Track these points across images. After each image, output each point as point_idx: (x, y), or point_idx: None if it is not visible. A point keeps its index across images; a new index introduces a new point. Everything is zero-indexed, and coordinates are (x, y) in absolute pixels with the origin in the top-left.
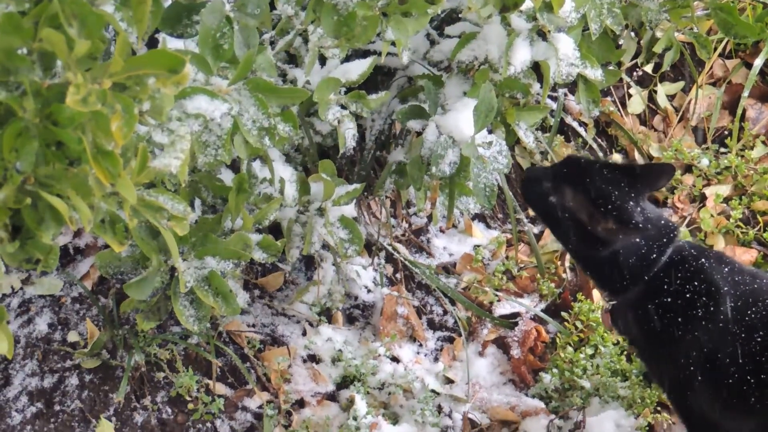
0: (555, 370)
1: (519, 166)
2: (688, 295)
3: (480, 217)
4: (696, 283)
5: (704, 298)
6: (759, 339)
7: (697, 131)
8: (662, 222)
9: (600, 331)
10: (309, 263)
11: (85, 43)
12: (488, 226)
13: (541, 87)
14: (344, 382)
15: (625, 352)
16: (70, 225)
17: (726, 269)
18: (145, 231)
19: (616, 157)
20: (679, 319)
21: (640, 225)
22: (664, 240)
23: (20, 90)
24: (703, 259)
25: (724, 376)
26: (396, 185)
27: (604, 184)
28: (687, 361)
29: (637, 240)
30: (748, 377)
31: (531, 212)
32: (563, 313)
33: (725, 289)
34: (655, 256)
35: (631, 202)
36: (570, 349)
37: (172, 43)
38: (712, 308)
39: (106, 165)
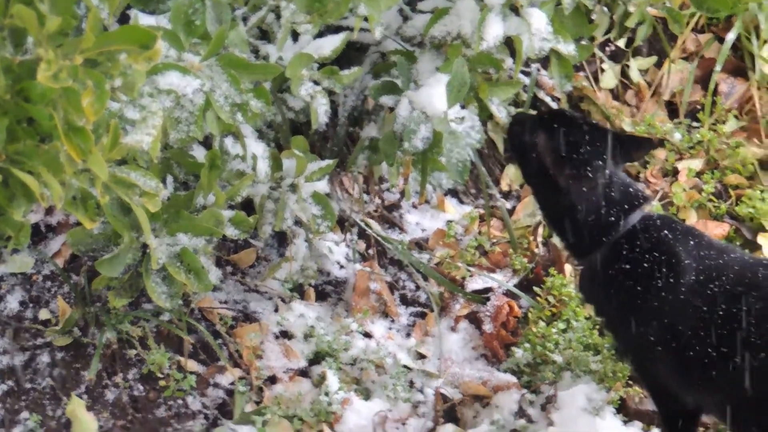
0: (527, 345)
1: (492, 142)
2: (649, 265)
3: (453, 193)
4: (657, 253)
5: (665, 269)
6: (720, 313)
7: (670, 106)
8: (630, 189)
9: (572, 305)
10: (281, 239)
11: (56, 19)
12: (461, 202)
13: (513, 62)
14: (316, 358)
15: (597, 327)
16: (41, 202)
17: (692, 242)
18: (116, 208)
19: None
20: (640, 288)
21: (600, 181)
22: (628, 206)
23: None
24: (667, 230)
25: (684, 348)
26: (369, 161)
27: (579, 137)
28: (647, 331)
29: (599, 200)
30: (709, 350)
31: (503, 187)
32: (535, 288)
33: (687, 261)
34: (615, 219)
35: (600, 161)
36: (542, 323)
37: (143, 20)
38: (672, 279)
39: (78, 141)
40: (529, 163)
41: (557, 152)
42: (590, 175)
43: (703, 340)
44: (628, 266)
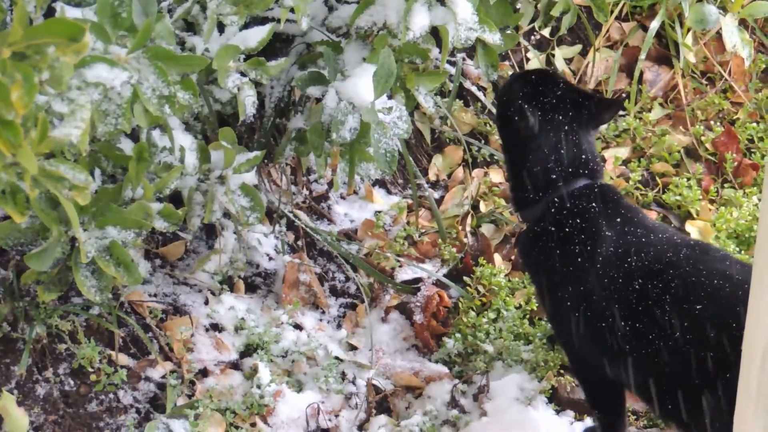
0: (458, 335)
1: (419, 132)
2: (571, 230)
3: (380, 183)
4: (581, 221)
5: (585, 237)
6: (635, 287)
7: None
8: (583, 156)
9: (502, 295)
10: (210, 232)
11: None
12: (389, 192)
13: (440, 52)
14: (247, 351)
15: (527, 316)
16: None
17: (620, 216)
18: (44, 202)
19: None
20: (560, 252)
21: (554, 139)
22: (573, 171)
23: None
24: (600, 201)
25: (597, 319)
26: (296, 152)
27: (550, 94)
28: (564, 295)
29: (549, 157)
30: (620, 323)
31: (431, 177)
32: (465, 278)
33: (608, 233)
34: (556, 179)
35: (561, 120)
36: (472, 313)
37: (70, 12)
38: (590, 248)
39: (7, 135)
40: (500, 105)
41: (524, 102)
42: (547, 130)
43: (614, 312)
44: (553, 228)
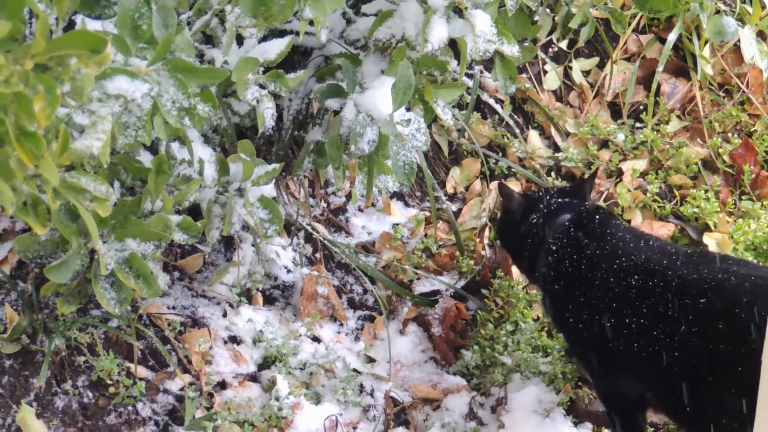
0: (476, 347)
1: (437, 144)
2: (566, 263)
3: (398, 196)
4: (574, 253)
5: (578, 265)
6: (629, 305)
7: (613, 107)
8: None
9: (520, 307)
10: (228, 244)
11: (6, 24)
12: (407, 205)
13: (458, 64)
14: (265, 363)
15: (545, 328)
16: None
17: (600, 238)
18: (64, 214)
19: (533, 134)
20: (565, 285)
21: (546, 234)
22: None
23: None
24: (582, 232)
25: (606, 340)
26: (314, 165)
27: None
28: (576, 324)
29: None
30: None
31: (449, 189)
32: (483, 290)
33: (603, 260)
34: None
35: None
36: (490, 325)
37: (90, 25)
38: (588, 276)
39: (29, 146)
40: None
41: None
42: (541, 231)
43: (616, 331)
44: (553, 268)
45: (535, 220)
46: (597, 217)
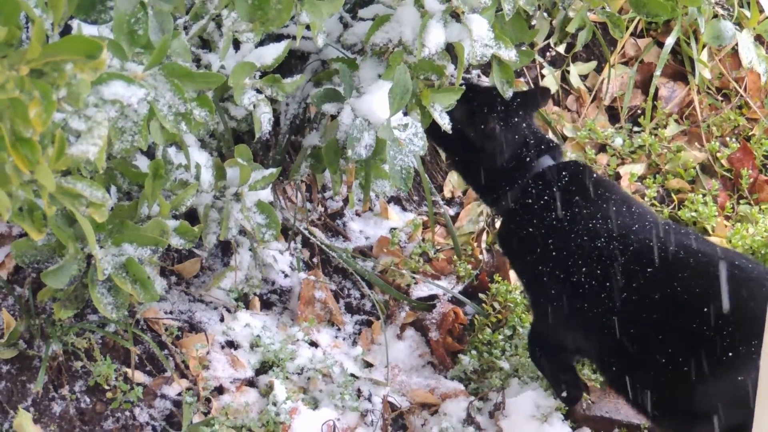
0: (473, 352)
1: (434, 148)
2: (546, 207)
3: (396, 200)
4: (551, 201)
5: (560, 213)
6: (598, 262)
7: (611, 111)
8: (536, 138)
9: (518, 311)
10: (225, 249)
11: (1, 29)
12: (404, 209)
13: (455, 68)
14: (263, 368)
15: None
16: None
17: (588, 190)
18: (61, 219)
19: None
20: (538, 228)
21: (508, 133)
22: (535, 152)
23: None
24: (570, 179)
25: (570, 291)
26: (311, 169)
27: (487, 99)
28: (543, 270)
29: (508, 150)
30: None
31: (446, 194)
32: (480, 295)
33: (581, 210)
34: (523, 166)
35: (507, 116)
36: (488, 330)
37: (86, 30)
38: (565, 224)
39: (25, 152)
40: (448, 136)
41: (470, 116)
42: (498, 127)
43: (584, 286)
44: (531, 206)
45: (506, 151)
46: (580, 171)
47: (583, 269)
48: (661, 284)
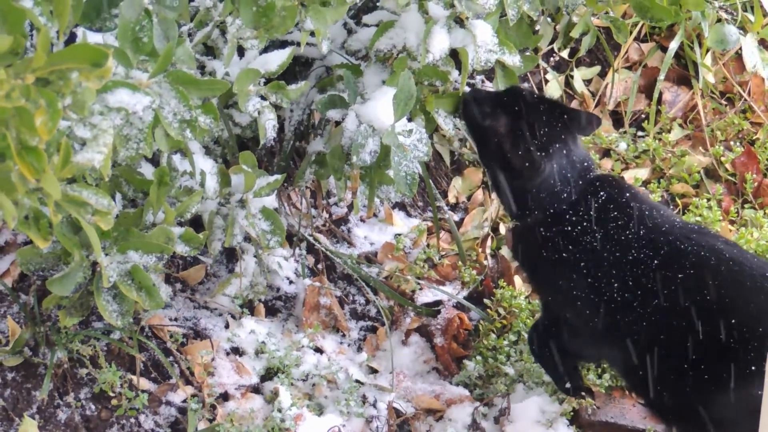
0: (479, 358)
1: (438, 154)
2: (580, 220)
3: (400, 206)
4: (590, 222)
5: (592, 236)
6: (630, 259)
7: (615, 115)
8: (578, 165)
9: (522, 317)
10: (230, 255)
11: (7, 38)
12: (409, 215)
13: (459, 74)
14: (268, 374)
15: None
16: None
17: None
18: (66, 227)
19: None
20: (571, 246)
21: (552, 165)
22: (574, 181)
23: None
24: (606, 197)
25: (597, 295)
26: (316, 175)
27: (535, 119)
28: (569, 279)
29: (550, 180)
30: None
31: (451, 199)
32: (485, 300)
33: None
34: (566, 195)
35: (553, 145)
36: (493, 335)
37: (91, 38)
38: (597, 245)
39: (31, 160)
40: (489, 146)
41: (515, 137)
42: (544, 159)
43: (615, 297)
44: (566, 226)
45: (541, 181)
46: (615, 184)
47: (617, 282)
48: (692, 293)
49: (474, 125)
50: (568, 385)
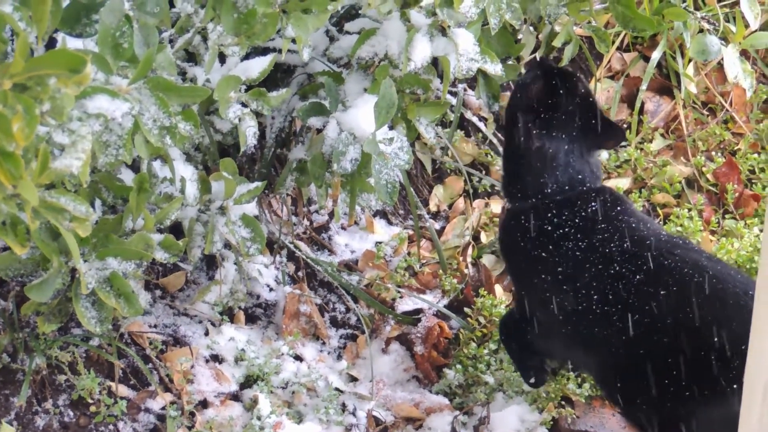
0: (458, 366)
1: (420, 162)
2: (567, 222)
3: (381, 214)
4: (577, 219)
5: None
6: (612, 272)
7: None
8: (584, 171)
9: None
10: (210, 262)
11: None
12: (390, 223)
13: (441, 83)
14: (247, 382)
15: None
16: None
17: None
18: (45, 233)
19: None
20: (552, 244)
21: (556, 162)
22: (569, 187)
23: None
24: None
25: (573, 302)
26: (297, 183)
27: (559, 112)
28: (545, 280)
29: (550, 172)
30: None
31: (432, 208)
32: (466, 309)
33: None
34: (551, 190)
35: (565, 145)
36: (473, 344)
37: (71, 43)
38: (581, 244)
39: (8, 166)
40: (511, 100)
41: (531, 110)
42: (549, 153)
43: (590, 300)
44: (551, 221)
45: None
46: (611, 197)
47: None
48: (674, 307)
49: (518, 81)
50: (533, 380)
